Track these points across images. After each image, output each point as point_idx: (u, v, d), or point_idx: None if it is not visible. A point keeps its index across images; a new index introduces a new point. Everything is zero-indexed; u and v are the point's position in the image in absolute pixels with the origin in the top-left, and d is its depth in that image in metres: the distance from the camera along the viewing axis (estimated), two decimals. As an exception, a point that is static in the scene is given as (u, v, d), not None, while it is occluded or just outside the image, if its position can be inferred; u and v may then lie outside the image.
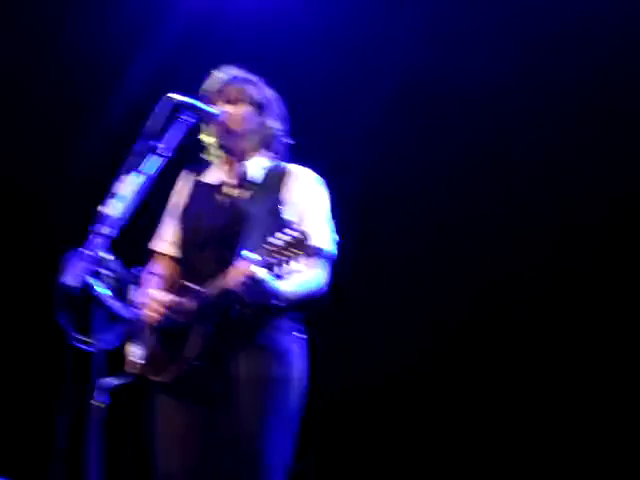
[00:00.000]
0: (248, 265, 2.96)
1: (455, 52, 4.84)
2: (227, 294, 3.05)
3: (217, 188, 3.40)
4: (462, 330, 4.87)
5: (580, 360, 4.72)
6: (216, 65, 3.48)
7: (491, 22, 4.83)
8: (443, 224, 4.92)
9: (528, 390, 4.78)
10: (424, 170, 4.90)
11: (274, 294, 3.07)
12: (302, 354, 3.31)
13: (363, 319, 4.93)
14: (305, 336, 3.33)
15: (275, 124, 3.42)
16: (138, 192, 2.81)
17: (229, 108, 3.35)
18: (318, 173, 3.43)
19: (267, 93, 3.45)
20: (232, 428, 3.15)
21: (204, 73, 3.46)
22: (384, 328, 4.91)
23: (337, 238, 3.33)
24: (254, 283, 2.99)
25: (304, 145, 3.49)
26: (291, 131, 3.49)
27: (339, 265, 3.34)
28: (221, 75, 3.43)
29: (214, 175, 3.45)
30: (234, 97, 3.38)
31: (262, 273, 2.96)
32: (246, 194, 3.34)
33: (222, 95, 3.38)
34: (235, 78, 3.41)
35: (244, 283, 3.00)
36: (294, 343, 3.28)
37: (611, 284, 4.73)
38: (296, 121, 3.51)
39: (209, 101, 3.35)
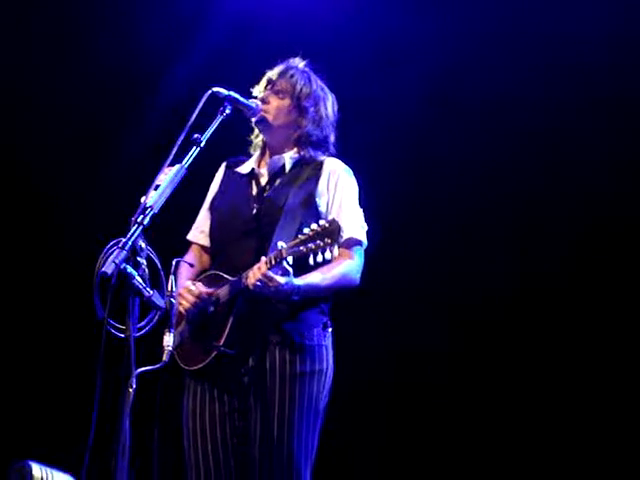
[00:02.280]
0: (266, 265, 3.00)
1: (482, 58, 4.88)
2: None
3: (249, 178, 3.44)
4: (477, 331, 4.91)
5: (596, 362, 4.76)
6: (254, 63, 3.52)
7: (517, 29, 4.86)
8: (460, 225, 4.96)
9: (544, 391, 4.81)
10: (450, 174, 4.96)
11: (294, 292, 3.10)
12: (330, 348, 3.35)
13: (379, 316, 4.96)
14: (332, 330, 3.37)
15: (311, 128, 3.43)
16: (175, 183, 2.85)
17: (274, 100, 3.38)
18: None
19: (317, 97, 3.47)
20: (262, 421, 3.19)
21: (245, 70, 3.51)
22: (400, 326, 4.95)
23: (367, 227, 3.37)
24: (270, 283, 3.02)
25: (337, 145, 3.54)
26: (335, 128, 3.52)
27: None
28: (282, 65, 3.46)
29: (248, 166, 3.48)
30: (281, 90, 3.42)
31: (280, 275, 3.00)
32: (278, 185, 3.37)
33: (273, 84, 3.42)
34: (291, 73, 3.44)
35: (259, 282, 3.03)
36: (323, 337, 3.32)
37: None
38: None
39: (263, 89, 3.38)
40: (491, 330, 4.89)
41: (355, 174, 3.48)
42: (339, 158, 3.49)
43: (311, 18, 5.00)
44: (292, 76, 3.44)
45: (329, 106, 3.49)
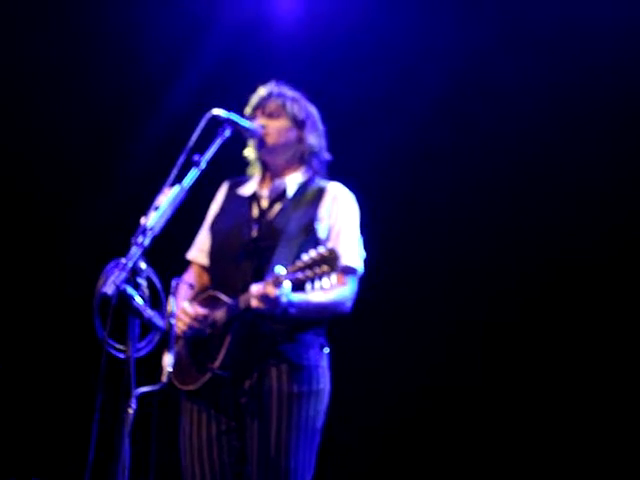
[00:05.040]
0: (267, 285, 3.01)
1: (493, 63, 4.90)
2: (251, 309, 3.10)
3: (250, 200, 3.45)
4: (485, 344, 4.94)
5: (606, 365, 4.77)
6: (259, 79, 3.55)
7: (533, 34, 4.89)
8: (462, 234, 4.98)
9: (555, 400, 4.83)
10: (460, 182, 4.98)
11: (291, 305, 3.10)
12: (327, 368, 3.36)
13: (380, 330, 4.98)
14: (329, 350, 3.38)
15: (313, 140, 3.47)
16: (175, 204, 2.88)
17: (268, 122, 3.41)
18: (347, 186, 3.49)
19: (307, 109, 3.50)
20: (259, 441, 3.19)
21: (248, 87, 3.53)
22: (401, 341, 4.97)
23: (365, 255, 3.39)
24: (271, 302, 3.03)
25: (337, 159, 3.56)
26: (329, 146, 3.55)
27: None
28: (263, 90, 3.49)
29: (250, 188, 3.50)
30: (273, 111, 3.43)
31: (280, 289, 3.00)
32: (279, 209, 3.39)
33: (263, 109, 3.44)
34: (276, 93, 3.46)
35: (262, 302, 3.04)
36: (320, 358, 3.33)
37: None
38: (332, 134, 3.58)
39: (252, 116, 3.42)
40: (492, 347, 4.92)
41: (358, 184, 3.50)
42: (338, 172, 3.52)
43: (318, 23, 5.04)
44: (279, 96, 3.46)
45: (315, 111, 3.54)
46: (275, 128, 3.41)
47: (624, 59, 4.75)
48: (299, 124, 3.45)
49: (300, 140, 3.46)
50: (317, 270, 2.95)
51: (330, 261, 2.94)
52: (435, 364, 4.94)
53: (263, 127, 3.39)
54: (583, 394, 4.78)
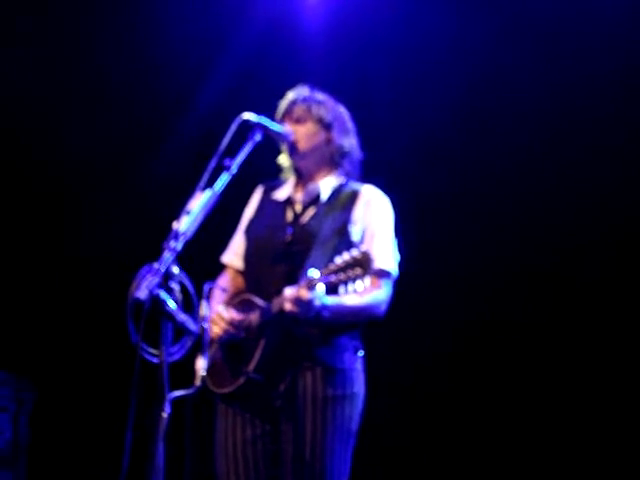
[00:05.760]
0: (301, 288, 3.01)
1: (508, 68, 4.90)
2: (285, 313, 3.10)
3: (284, 205, 3.46)
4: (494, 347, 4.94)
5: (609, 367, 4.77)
6: (288, 80, 3.55)
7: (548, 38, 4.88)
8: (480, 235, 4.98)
9: (562, 410, 4.83)
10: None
11: (325, 308, 3.09)
12: (361, 372, 3.35)
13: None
14: (363, 354, 3.37)
15: (343, 142, 3.47)
16: (207, 208, 2.89)
17: (296, 128, 3.41)
18: (378, 186, 3.48)
19: (335, 111, 3.50)
20: (294, 444, 3.20)
21: (278, 89, 3.54)
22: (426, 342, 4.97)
23: (399, 258, 3.38)
24: (304, 305, 3.02)
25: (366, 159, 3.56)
26: (361, 146, 3.55)
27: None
28: (290, 95, 3.49)
29: (284, 192, 3.50)
30: (300, 116, 3.43)
31: (313, 292, 2.99)
32: (313, 213, 3.39)
33: (290, 115, 3.44)
34: (301, 98, 3.47)
35: (295, 305, 3.03)
36: (354, 361, 3.32)
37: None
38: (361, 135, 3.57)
39: (281, 122, 3.42)
40: (509, 351, 4.91)
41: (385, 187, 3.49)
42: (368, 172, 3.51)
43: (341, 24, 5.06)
44: (304, 100, 3.46)
45: (344, 111, 3.53)
46: (303, 133, 3.42)
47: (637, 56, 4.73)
48: (326, 126, 3.45)
49: (329, 142, 3.45)
50: (350, 273, 2.94)
51: (363, 264, 2.93)
52: (469, 370, 4.93)
53: (293, 132, 3.40)
54: (589, 395, 4.78)
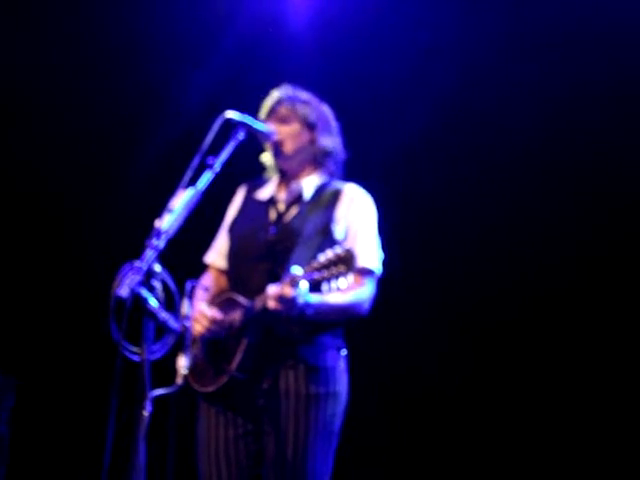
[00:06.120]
0: (284, 286, 3.00)
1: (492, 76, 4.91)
2: (268, 311, 3.10)
3: (267, 204, 3.45)
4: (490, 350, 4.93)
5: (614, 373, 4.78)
6: (273, 82, 3.55)
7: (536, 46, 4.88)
8: (473, 231, 5.00)
9: (565, 416, 4.83)
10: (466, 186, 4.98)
11: (308, 306, 3.08)
12: (344, 370, 3.35)
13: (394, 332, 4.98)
14: (346, 352, 3.37)
15: (327, 142, 3.47)
16: (189, 206, 2.89)
17: (280, 127, 3.41)
18: (363, 186, 3.48)
19: (319, 110, 3.50)
20: (277, 444, 3.19)
21: (262, 88, 3.54)
22: (420, 342, 4.97)
23: (383, 256, 3.38)
24: (287, 302, 3.02)
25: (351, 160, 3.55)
26: (345, 146, 3.55)
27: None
28: (274, 94, 3.49)
29: (267, 191, 3.50)
30: (285, 116, 3.43)
31: (297, 289, 2.99)
32: (296, 212, 3.38)
33: (275, 114, 3.44)
34: (286, 97, 3.47)
35: (278, 303, 3.03)
36: (337, 359, 3.32)
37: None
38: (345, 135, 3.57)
39: (265, 121, 3.42)
40: (504, 351, 4.92)
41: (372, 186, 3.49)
42: (351, 166, 3.51)
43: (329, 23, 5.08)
44: (289, 100, 3.46)
45: (327, 111, 3.53)
46: (287, 133, 3.41)
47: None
48: (310, 126, 3.45)
49: (313, 142, 3.46)
50: (333, 270, 2.94)
51: (347, 261, 2.93)
52: (453, 367, 4.93)
53: (276, 132, 3.40)
54: (589, 395, 4.79)
